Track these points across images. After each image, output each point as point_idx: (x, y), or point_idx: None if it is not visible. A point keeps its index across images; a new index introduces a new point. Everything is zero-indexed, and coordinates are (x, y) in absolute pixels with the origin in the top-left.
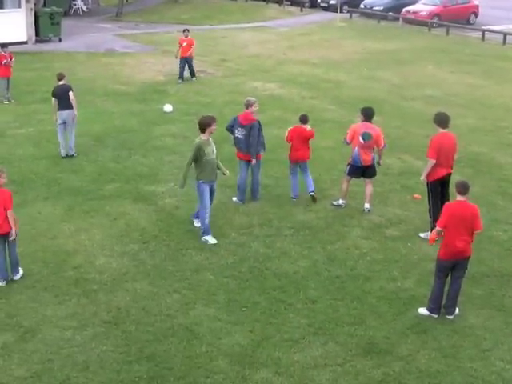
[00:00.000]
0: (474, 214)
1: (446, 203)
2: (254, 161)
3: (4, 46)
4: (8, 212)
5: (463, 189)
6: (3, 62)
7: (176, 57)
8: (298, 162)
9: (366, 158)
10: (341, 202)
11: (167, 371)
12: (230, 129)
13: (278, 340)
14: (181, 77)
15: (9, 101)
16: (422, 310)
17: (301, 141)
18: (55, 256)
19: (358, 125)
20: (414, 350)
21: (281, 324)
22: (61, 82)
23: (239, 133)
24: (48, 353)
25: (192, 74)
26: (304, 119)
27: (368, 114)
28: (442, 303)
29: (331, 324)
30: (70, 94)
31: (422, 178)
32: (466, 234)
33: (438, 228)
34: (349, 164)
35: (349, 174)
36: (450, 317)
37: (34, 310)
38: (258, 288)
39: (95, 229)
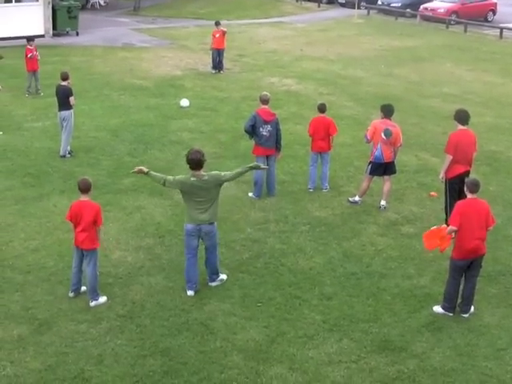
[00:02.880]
0: (486, 210)
1: (458, 201)
2: (280, 154)
3: (30, 39)
4: (97, 229)
5: (474, 187)
6: (29, 56)
7: (210, 49)
8: (320, 153)
9: (389, 155)
10: (357, 198)
11: (181, 366)
12: (251, 128)
13: (292, 336)
14: (214, 66)
15: (37, 94)
16: (437, 308)
17: (322, 130)
18: (71, 249)
19: (379, 121)
20: (429, 348)
21: (296, 320)
22: (63, 83)
23: (264, 130)
24: (63, 346)
25: (220, 67)
26: (322, 108)
27: (388, 111)
28: (456, 302)
29: (346, 321)
30: (71, 99)
31: (441, 175)
32: (480, 232)
33: (452, 227)
34: (370, 162)
35: (371, 172)
36: (466, 315)
37: (49, 303)
38: (273, 284)
39: (111, 223)
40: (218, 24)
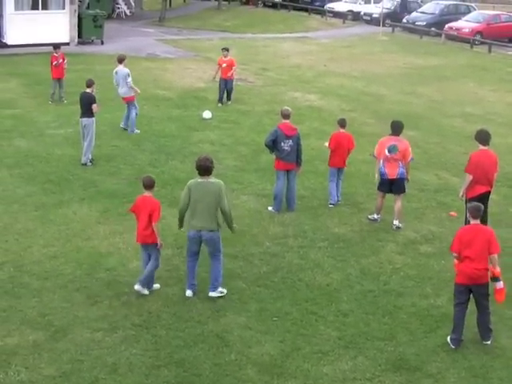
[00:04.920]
0: (489, 237)
1: (460, 228)
2: (300, 169)
3: (56, 47)
4: (153, 225)
5: (476, 212)
6: (54, 63)
7: (214, 78)
8: (338, 168)
9: (391, 172)
10: (376, 216)
11: (195, 378)
12: (271, 143)
13: (307, 351)
14: (220, 100)
15: (61, 101)
16: (448, 338)
17: (344, 146)
18: (89, 257)
19: (385, 138)
20: (444, 368)
21: (311, 336)
22: (87, 90)
23: (286, 144)
24: (78, 353)
25: (228, 98)
26: (342, 123)
27: (395, 128)
28: (461, 333)
29: (362, 338)
30: (94, 106)
31: (461, 194)
32: (481, 259)
33: (453, 254)
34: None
35: (378, 188)
36: (488, 342)
37: (65, 310)
38: (290, 299)
39: (130, 232)
40: (225, 50)
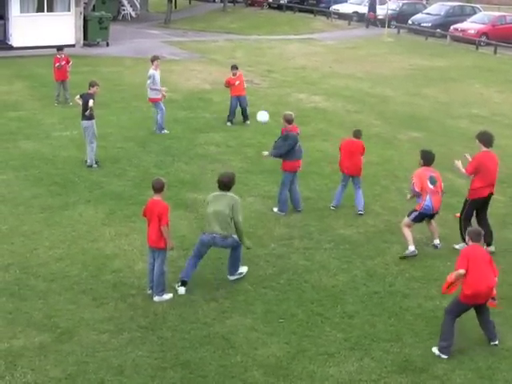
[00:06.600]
0: (490, 259)
1: (464, 247)
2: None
3: (60, 48)
4: (162, 227)
5: (477, 236)
6: (56, 65)
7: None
8: (346, 174)
9: (437, 205)
10: (413, 248)
11: (201, 379)
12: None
13: (313, 353)
14: (230, 120)
15: (66, 103)
16: (434, 350)
17: (348, 153)
18: (94, 259)
19: (422, 170)
20: (450, 370)
21: (317, 337)
22: (89, 91)
23: (298, 145)
24: (83, 355)
25: (245, 116)
26: (356, 134)
27: (429, 159)
28: (453, 341)
29: (367, 339)
30: (90, 101)
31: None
32: (490, 279)
33: (460, 271)
34: (416, 211)
35: (415, 220)
36: (496, 342)
37: (71, 312)
38: (295, 300)
39: (135, 234)
40: (234, 68)
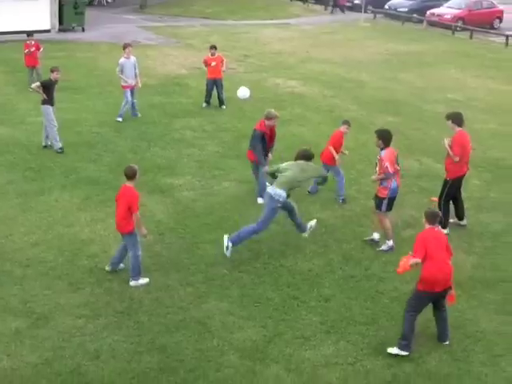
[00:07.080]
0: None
1: (419, 233)
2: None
3: (29, 34)
4: (134, 215)
5: (434, 218)
6: (25, 51)
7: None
8: (323, 164)
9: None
10: (392, 243)
11: (178, 363)
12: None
13: (289, 337)
14: (207, 101)
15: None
16: (392, 350)
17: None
18: (70, 244)
19: (392, 149)
20: (425, 353)
21: (293, 321)
22: (50, 77)
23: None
24: (60, 340)
25: (221, 101)
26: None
27: (389, 139)
28: (412, 338)
29: (343, 323)
30: (34, 85)
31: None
32: (447, 264)
33: (416, 259)
34: (383, 199)
35: (387, 209)
36: (447, 343)
37: (47, 298)
38: (271, 284)
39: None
40: (213, 48)
